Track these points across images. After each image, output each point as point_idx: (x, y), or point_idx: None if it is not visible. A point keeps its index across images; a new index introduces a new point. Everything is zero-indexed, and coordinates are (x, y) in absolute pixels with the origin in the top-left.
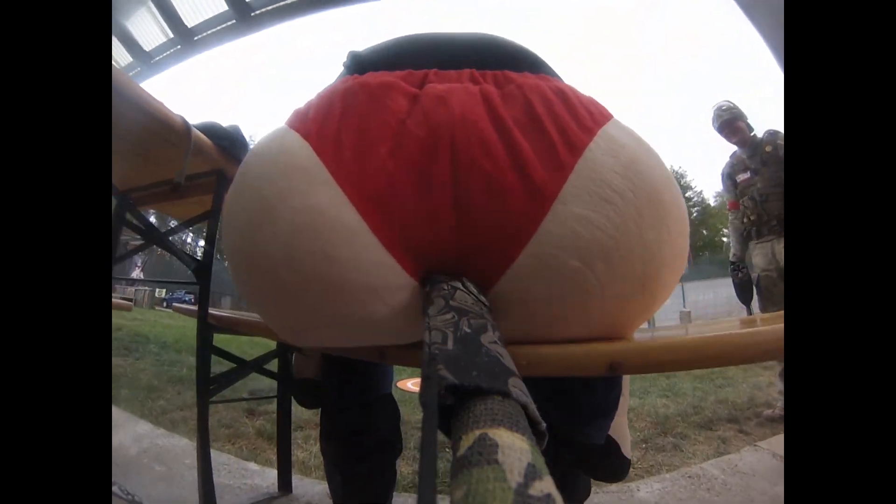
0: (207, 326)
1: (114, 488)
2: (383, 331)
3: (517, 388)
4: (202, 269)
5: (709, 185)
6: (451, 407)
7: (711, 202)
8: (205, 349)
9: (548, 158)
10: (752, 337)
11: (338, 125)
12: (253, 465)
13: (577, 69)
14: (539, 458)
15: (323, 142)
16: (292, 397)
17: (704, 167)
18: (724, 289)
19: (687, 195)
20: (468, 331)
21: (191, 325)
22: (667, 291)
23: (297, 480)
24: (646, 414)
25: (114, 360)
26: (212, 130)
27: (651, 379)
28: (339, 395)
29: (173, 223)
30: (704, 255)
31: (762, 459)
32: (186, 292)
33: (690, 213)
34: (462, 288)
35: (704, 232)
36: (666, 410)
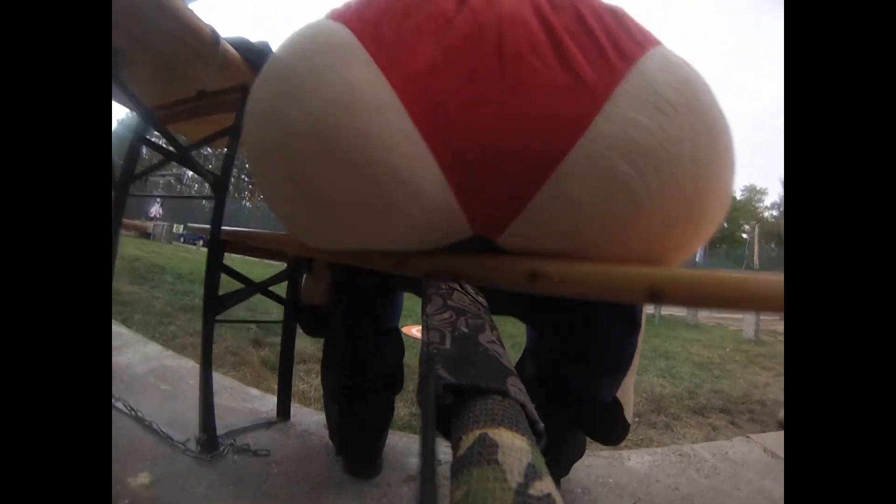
0: (219, 242)
1: (117, 404)
2: (403, 229)
3: (515, 386)
4: (219, 184)
5: (737, 177)
6: (449, 407)
7: (737, 195)
8: (214, 267)
9: (599, 63)
10: None
11: (381, 14)
12: (254, 391)
13: None
14: (539, 458)
15: (364, 27)
16: (298, 325)
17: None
18: None
19: None
20: (466, 330)
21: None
22: (711, 225)
23: (295, 409)
24: (642, 391)
25: (129, 288)
26: (241, 45)
27: (651, 358)
28: (346, 323)
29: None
30: (721, 248)
31: (753, 451)
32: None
33: None
34: (459, 289)
35: (725, 225)
36: (662, 390)
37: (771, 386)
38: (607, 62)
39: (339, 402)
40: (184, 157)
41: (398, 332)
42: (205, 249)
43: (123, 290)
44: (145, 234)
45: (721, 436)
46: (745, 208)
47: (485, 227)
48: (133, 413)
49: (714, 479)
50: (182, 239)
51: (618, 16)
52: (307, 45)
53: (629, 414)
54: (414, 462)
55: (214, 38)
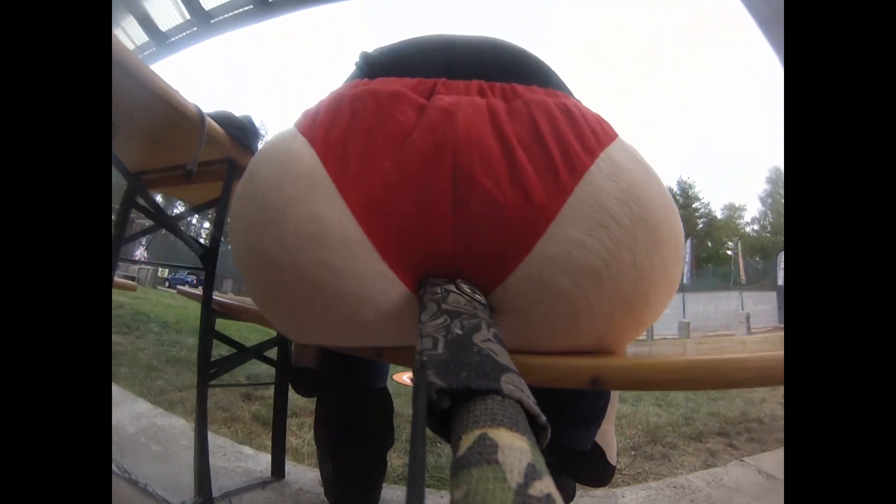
0: (210, 311)
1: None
2: (378, 334)
3: (510, 383)
4: (208, 255)
5: (716, 197)
6: (448, 410)
7: (718, 215)
8: (207, 334)
9: (549, 178)
10: (741, 363)
11: (344, 133)
12: (248, 449)
13: (582, 69)
14: (539, 457)
15: (329, 150)
16: (289, 384)
17: (713, 178)
18: (724, 302)
19: (694, 206)
20: (459, 332)
21: (192, 306)
22: (656, 313)
23: (290, 466)
24: (637, 422)
25: (114, 338)
26: (225, 119)
27: None
28: (335, 385)
29: (179, 205)
30: (708, 267)
31: (748, 475)
32: (188, 273)
33: (696, 225)
34: (455, 290)
35: (709, 244)
36: (657, 419)
37: (767, 402)
38: (557, 179)
39: (332, 459)
40: (170, 225)
41: (386, 392)
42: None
43: None
44: (130, 278)
45: (720, 460)
46: (726, 226)
47: None
48: (127, 475)
49: None
50: (167, 283)
51: (571, 117)
52: (280, 171)
53: (612, 457)
54: None
55: (200, 116)
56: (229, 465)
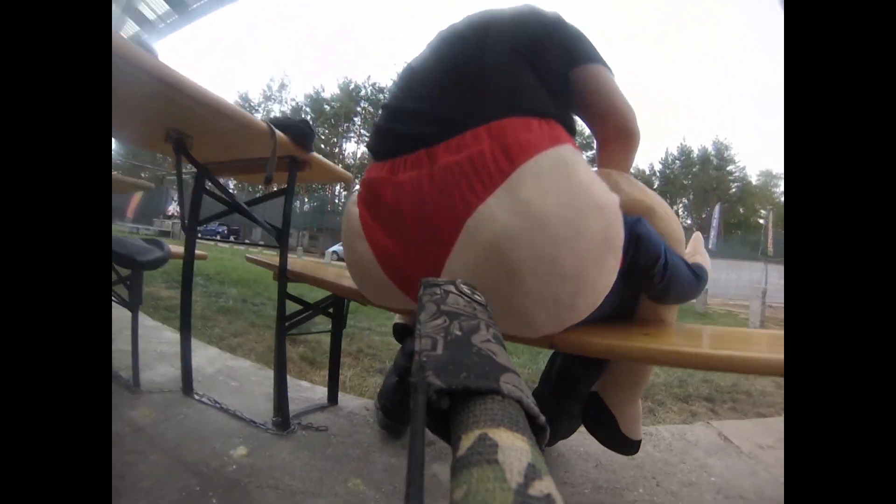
0: (285, 278)
1: (203, 399)
2: (398, 306)
3: (510, 383)
4: (281, 235)
5: (753, 161)
6: (447, 410)
7: (753, 180)
8: (282, 295)
9: (445, 228)
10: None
11: (364, 206)
12: (304, 383)
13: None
14: (539, 457)
15: (362, 214)
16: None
17: (750, 141)
18: (747, 272)
19: (728, 169)
20: (459, 333)
21: (227, 258)
22: (584, 305)
23: (340, 396)
24: None
25: (168, 293)
26: (285, 124)
27: None
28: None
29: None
30: (737, 234)
31: (708, 435)
32: (219, 224)
33: (728, 189)
34: (455, 290)
35: (741, 210)
36: (654, 378)
37: (761, 377)
38: (475, 195)
39: (398, 374)
40: (243, 210)
41: None
42: (223, 246)
43: (163, 295)
44: (164, 233)
45: (697, 422)
46: (760, 193)
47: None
48: (217, 405)
49: (666, 454)
50: (199, 235)
51: (475, 166)
52: (349, 220)
53: (627, 429)
54: None
55: (270, 131)
56: (293, 394)
